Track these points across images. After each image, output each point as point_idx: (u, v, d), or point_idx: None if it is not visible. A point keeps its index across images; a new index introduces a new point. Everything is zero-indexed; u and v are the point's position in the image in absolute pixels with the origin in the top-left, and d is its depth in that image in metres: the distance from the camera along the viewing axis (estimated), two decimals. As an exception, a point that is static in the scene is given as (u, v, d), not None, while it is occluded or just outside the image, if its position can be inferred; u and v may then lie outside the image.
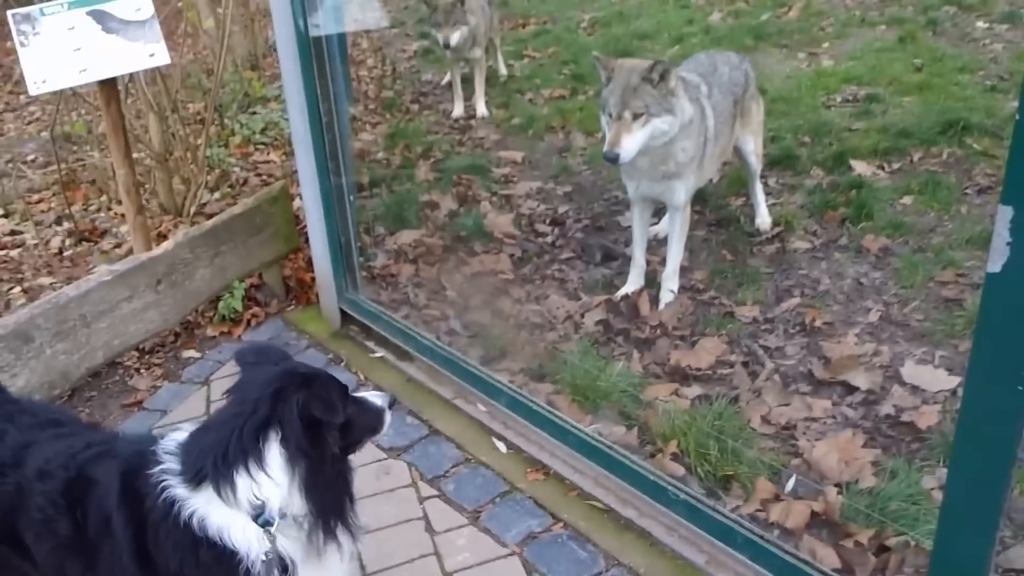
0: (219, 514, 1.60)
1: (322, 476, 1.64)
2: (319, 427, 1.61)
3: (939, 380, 2.92)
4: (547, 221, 4.30)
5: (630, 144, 3.05)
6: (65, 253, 4.59)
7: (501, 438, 2.88)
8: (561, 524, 2.52)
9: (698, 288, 3.62)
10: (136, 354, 3.56)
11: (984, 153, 4.32)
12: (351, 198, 3.50)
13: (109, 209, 5.03)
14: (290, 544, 1.63)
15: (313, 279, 3.81)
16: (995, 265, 1.53)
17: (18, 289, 4.27)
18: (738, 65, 3.74)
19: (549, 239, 4.14)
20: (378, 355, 3.45)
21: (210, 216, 3.98)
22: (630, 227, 4.07)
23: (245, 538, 1.59)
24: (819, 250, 3.79)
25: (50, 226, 4.95)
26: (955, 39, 6.03)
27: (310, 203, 3.47)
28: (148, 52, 3.33)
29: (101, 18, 3.31)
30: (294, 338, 3.66)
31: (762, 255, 3.81)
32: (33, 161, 6.02)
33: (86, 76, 3.27)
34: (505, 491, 2.68)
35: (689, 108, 3.20)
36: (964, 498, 1.74)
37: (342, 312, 3.62)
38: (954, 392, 2.83)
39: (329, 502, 1.67)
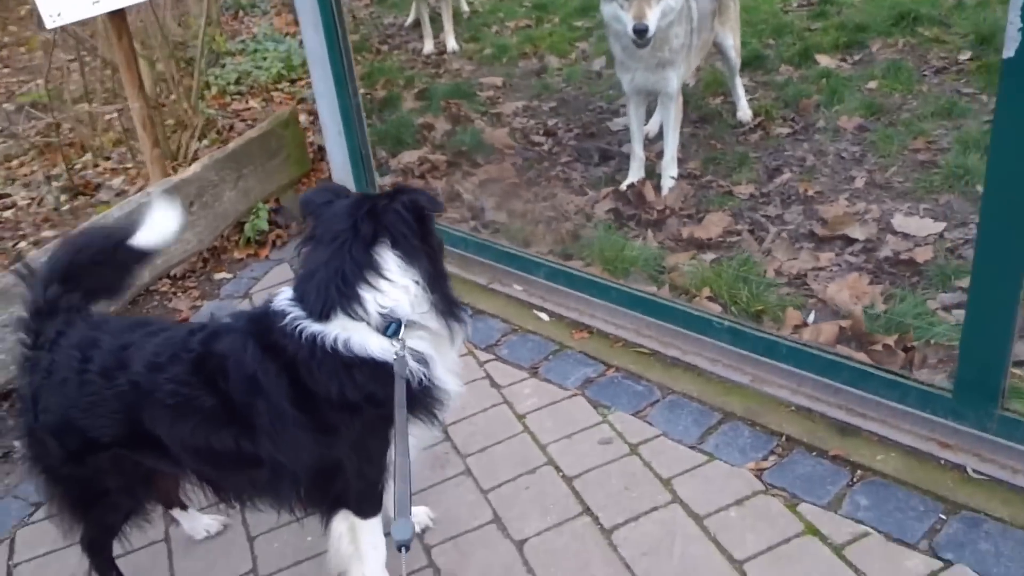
0: (358, 333, 1.72)
1: (437, 266, 1.80)
2: (425, 222, 1.77)
3: (927, 227, 3.25)
4: (540, 132, 4.52)
5: (653, 15, 3.31)
6: (62, 209, 4.63)
7: (542, 309, 3.12)
8: (613, 369, 2.78)
9: (695, 175, 3.89)
10: (168, 281, 3.69)
11: (936, 39, 4.66)
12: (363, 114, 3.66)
13: (96, 166, 5.06)
14: (421, 343, 1.79)
15: (329, 198, 3.94)
16: (1009, 51, 1.80)
17: (24, 244, 4.31)
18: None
19: (546, 147, 4.36)
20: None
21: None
22: (619, 131, 4.34)
23: (384, 347, 1.72)
24: (800, 133, 4.09)
25: (38, 187, 4.97)
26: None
27: (328, 120, 3.62)
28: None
29: (111, -50, 3.38)
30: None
31: (748, 143, 4.09)
32: (1, 131, 5.98)
33: (99, 7, 3.35)
34: (556, 349, 2.92)
35: (683, -8, 3.47)
36: (987, 296, 2.01)
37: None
38: (941, 235, 3.17)
39: (446, 290, 1.83)
